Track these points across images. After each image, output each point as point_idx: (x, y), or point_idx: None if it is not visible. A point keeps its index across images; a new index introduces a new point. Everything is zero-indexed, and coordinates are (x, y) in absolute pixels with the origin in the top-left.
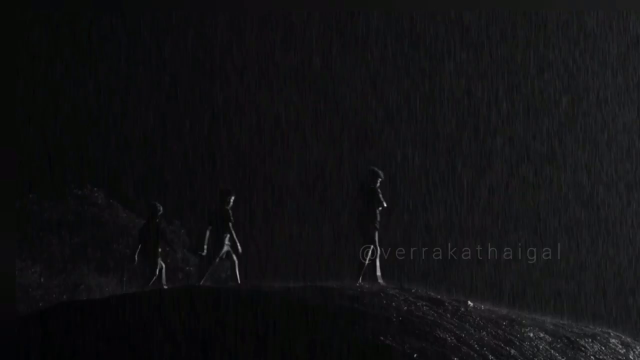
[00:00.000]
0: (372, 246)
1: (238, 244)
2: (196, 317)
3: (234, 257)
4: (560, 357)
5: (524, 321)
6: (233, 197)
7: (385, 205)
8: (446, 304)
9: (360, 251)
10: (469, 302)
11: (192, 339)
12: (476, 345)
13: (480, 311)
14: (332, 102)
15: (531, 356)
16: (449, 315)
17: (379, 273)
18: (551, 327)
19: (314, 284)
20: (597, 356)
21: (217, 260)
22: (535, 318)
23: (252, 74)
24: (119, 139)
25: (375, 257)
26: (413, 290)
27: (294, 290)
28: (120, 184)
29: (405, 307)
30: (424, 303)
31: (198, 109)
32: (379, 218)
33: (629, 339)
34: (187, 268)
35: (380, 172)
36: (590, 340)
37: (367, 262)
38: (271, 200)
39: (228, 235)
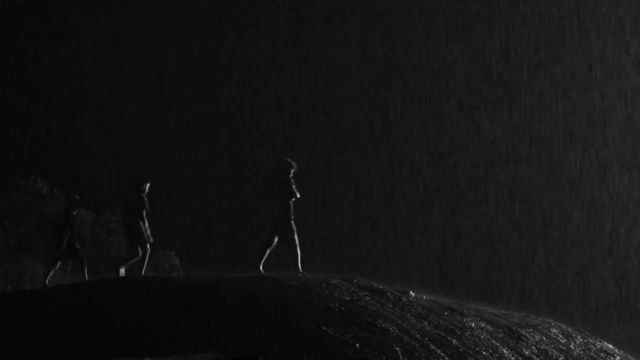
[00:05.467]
0: (276, 237)
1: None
2: (138, 307)
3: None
4: (501, 347)
5: (465, 311)
6: (148, 185)
7: (298, 196)
8: (388, 294)
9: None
10: (411, 292)
11: (135, 329)
12: (418, 335)
13: (421, 301)
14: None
15: (473, 346)
16: (390, 305)
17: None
18: (492, 317)
19: (257, 274)
20: (538, 346)
21: (149, 247)
22: (476, 308)
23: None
24: (64, 129)
25: (269, 249)
26: (355, 280)
27: (237, 280)
28: (64, 174)
29: (348, 297)
30: (366, 293)
31: (145, 100)
32: (292, 209)
33: (569, 329)
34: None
35: (294, 163)
36: (531, 330)
37: (298, 251)
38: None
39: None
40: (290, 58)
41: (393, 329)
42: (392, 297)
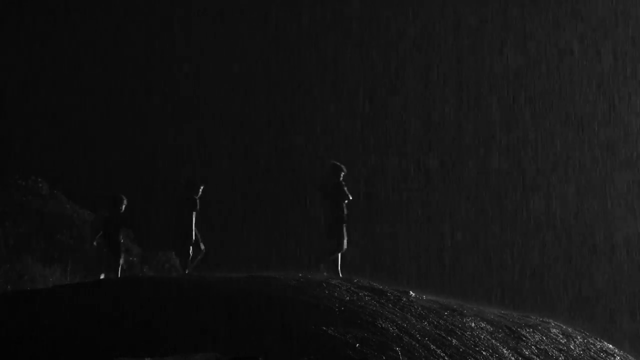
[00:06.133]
0: (337, 240)
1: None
2: (138, 306)
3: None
4: (501, 347)
5: (465, 311)
6: (202, 188)
7: (350, 198)
8: (388, 294)
9: (329, 245)
10: (411, 292)
11: (135, 329)
12: (418, 335)
13: (421, 301)
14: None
15: (473, 346)
16: (390, 305)
17: (339, 268)
18: (492, 317)
19: (257, 274)
20: (538, 346)
21: (203, 247)
22: (476, 308)
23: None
24: (64, 129)
25: (341, 251)
26: (355, 281)
27: (236, 280)
28: (64, 174)
29: (348, 297)
30: (366, 293)
31: (146, 99)
32: (346, 211)
33: (569, 329)
34: (131, 258)
35: (343, 166)
36: (531, 330)
37: (339, 255)
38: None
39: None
40: (291, 57)
41: (393, 329)
42: (392, 297)
